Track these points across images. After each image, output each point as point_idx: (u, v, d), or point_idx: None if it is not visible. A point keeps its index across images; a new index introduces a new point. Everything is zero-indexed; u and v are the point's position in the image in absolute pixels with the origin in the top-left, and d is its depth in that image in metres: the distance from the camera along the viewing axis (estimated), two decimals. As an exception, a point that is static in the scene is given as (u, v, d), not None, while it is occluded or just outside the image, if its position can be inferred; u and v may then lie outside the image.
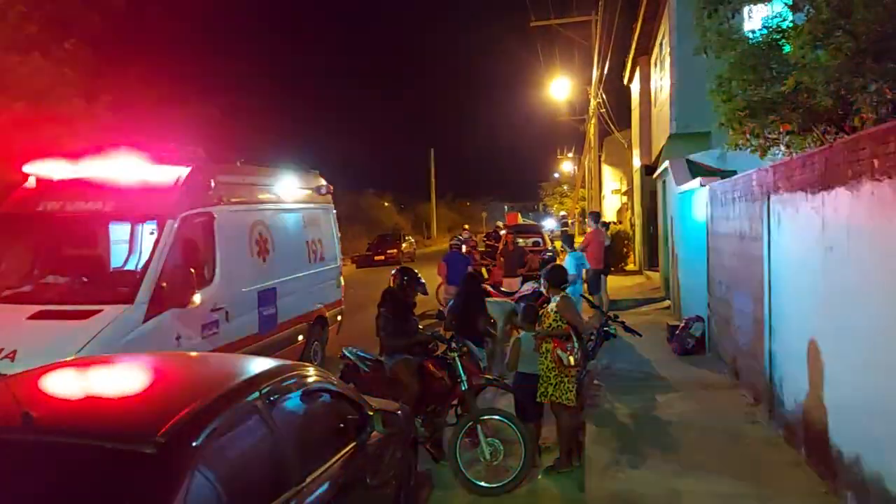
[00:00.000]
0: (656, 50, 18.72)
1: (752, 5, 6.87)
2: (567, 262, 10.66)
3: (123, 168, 6.93)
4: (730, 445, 6.05)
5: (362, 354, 6.56)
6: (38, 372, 3.58)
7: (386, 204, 59.71)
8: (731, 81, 6.71)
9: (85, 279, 6.60)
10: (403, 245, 35.33)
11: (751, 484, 5.20)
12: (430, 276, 15.76)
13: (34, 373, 3.58)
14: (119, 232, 7.19)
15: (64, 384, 3.56)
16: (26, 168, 7.25)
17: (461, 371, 6.02)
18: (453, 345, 6.23)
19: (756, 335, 6.93)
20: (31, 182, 7.28)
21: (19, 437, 2.77)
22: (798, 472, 5.37)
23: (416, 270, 6.76)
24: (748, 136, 6.92)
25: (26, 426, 2.75)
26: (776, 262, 6.32)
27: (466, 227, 24.64)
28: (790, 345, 5.90)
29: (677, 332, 9.98)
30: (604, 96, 25.29)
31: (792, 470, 5.42)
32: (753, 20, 6.89)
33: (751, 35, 6.63)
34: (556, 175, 66.26)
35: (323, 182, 10.84)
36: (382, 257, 31.95)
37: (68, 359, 4.44)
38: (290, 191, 9.56)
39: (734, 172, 9.38)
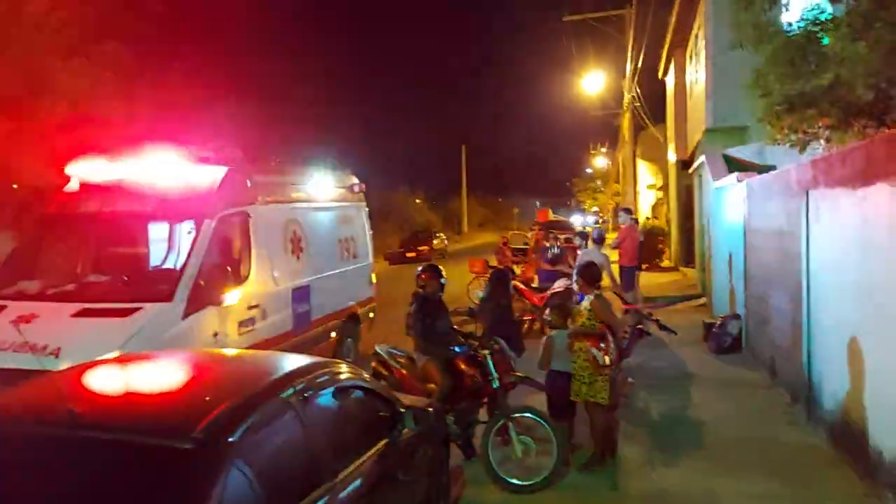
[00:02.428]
0: (691, 43, 18.43)
1: (789, -3, 6.73)
2: (581, 258, 10.75)
3: (162, 169, 7.08)
4: (766, 445, 5.97)
5: (394, 351, 6.60)
6: (81, 369, 3.68)
7: (418, 201, 59.84)
8: (768, 75, 6.59)
9: (126, 278, 6.74)
10: (435, 242, 35.39)
11: (787, 484, 5.13)
12: (462, 273, 15.84)
13: (77, 370, 3.68)
14: (158, 231, 7.35)
15: (105, 381, 3.66)
16: (69, 169, 7.44)
17: (492, 369, 6.02)
18: (484, 342, 6.24)
19: (794, 333, 6.81)
20: (74, 183, 7.47)
21: (64, 433, 2.85)
22: (836, 472, 5.28)
23: (437, 266, 6.82)
24: (786, 131, 6.80)
25: (70, 422, 2.84)
26: (815, 259, 6.20)
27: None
28: (829, 343, 5.79)
29: (713, 329, 9.85)
30: (638, 90, 24.97)
31: (830, 470, 5.33)
32: (791, 12, 6.75)
33: (788, 28, 6.50)
34: (590, 170, 65.54)
35: (355, 180, 10.92)
36: (414, 254, 31.99)
37: (109, 356, 4.57)
38: (323, 189, 9.66)
39: (772, 167, 9.23)
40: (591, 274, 6.34)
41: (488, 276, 16.05)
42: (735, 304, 10.20)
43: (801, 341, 6.46)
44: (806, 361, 6.37)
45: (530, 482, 5.65)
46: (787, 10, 6.72)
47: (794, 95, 6.31)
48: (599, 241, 11.26)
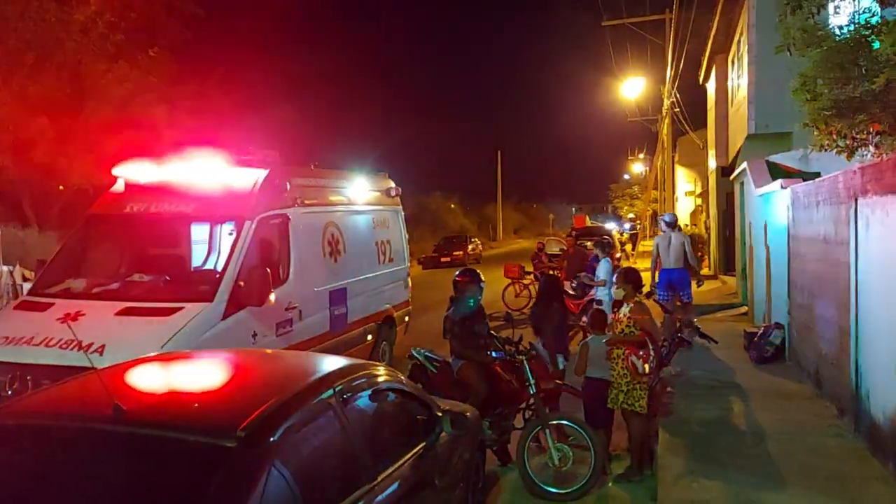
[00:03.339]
0: (734, 48, 18.13)
1: (839, 0, 6.58)
2: (601, 268, 10.74)
3: (204, 171, 7.19)
4: (811, 458, 5.80)
5: (430, 355, 6.58)
6: (125, 366, 3.75)
7: (452, 206, 59.82)
8: (815, 80, 6.45)
9: (168, 278, 6.86)
10: (469, 247, 35.36)
11: (833, 499, 4.98)
12: (497, 279, 15.77)
13: (121, 367, 3.75)
14: (200, 232, 7.48)
15: (149, 378, 3.72)
16: (115, 171, 7.60)
17: (529, 375, 5.97)
18: (521, 348, 6.19)
19: (841, 343, 6.63)
20: (119, 184, 7.63)
21: (108, 429, 2.90)
22: (885, 487, 5.11)
23: (476, 270, 6.79)
24: (834, 136, 6.64)
25: (115, 418, 2.88)
26: (864, 268, 6.03)
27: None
28: (879, 354, 5.62)
29: (755, 339, 9.63)
30: (678, 95, 24.67)
31: (878, 485, 5.16)
32: (840, 16, 6.59)
33: (837, 31, 6.34)
34: (627, 176, 64.92)
35: (392, 184, 10.97)
36: (448, 259, 32.00)
37: (152, 354, 4.64)
38: (360, 193, 9.72)
39: (818, 174, 9.01)
40: (636, 279, 6.25)
41: (526, 281, 16.05)
42: (777, 313, 9.98)
43: (849, 351, 6.28)
44: (853, 373, 6.19)
45: (566, 490, 5.59)
46: (836, 13, 6.57)
47: (844, 100, 6.17)
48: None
